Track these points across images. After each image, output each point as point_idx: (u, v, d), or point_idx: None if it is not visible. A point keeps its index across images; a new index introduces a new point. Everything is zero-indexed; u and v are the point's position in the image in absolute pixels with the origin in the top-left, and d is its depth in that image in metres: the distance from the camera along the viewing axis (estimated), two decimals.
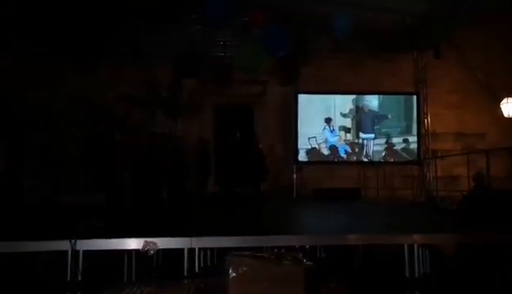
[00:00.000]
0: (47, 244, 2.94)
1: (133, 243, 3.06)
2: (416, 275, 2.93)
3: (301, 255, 2.63)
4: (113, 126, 8.44)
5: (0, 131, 8.06)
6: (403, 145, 9.58)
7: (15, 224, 3.91)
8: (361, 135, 9.63)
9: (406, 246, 3.01)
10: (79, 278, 2.94)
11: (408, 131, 9.60)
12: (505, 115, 9.09)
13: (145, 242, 3.03)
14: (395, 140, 9.57)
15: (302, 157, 9.40)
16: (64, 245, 2.95)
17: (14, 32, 7.96)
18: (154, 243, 3.05)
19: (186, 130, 8.99)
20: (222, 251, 3.05)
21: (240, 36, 8.43)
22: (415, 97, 9.62)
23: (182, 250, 3.24)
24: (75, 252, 2.98)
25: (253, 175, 8.25)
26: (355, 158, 9.54)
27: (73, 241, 2.97)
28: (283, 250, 2.83)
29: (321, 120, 9.56)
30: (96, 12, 7.77)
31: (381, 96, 9.68)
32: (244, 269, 2.35)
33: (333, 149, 9.54)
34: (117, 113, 8.46)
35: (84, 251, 3.02)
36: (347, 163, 9.49)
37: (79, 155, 8.23)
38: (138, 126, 8.55)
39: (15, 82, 8.09)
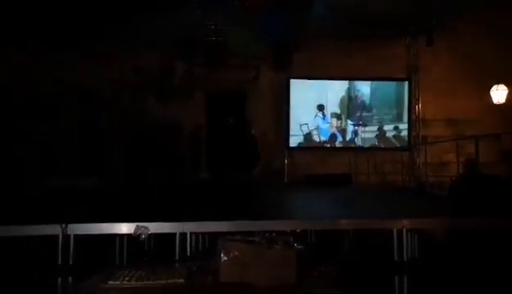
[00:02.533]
0: (37, 228, 2.93)
1: (125, 228, 3.06)
2: (405, 259, 2.99)
3: (292, 239, 2.65)
4: (103, 111, 8.35)
5: None
6: (394, 133, 9.66)
7: (5, 209, 3.88)
8: (352, 122, 9.67)
9: (395, 230, 3.05)
10: (70, 262, 2.95)
11: (399, 119, 9.67)
12: (495, 102, 9.20)
13: (137, 226, 3.04)
14: (386, 127, 9.64)
15: (293, 142, 9.44)
16: (55, 229, 2.94)
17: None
18: (146, 228, 3.05)
19: (177, 115, 8.94)
20: (214, 236, 3.06)
21: (232, 20, 8.33)
22: (406, 84, 9.67)
23: (174, 234, 3.25)
24: (66, 237, 2.97)
25: (245, 161, 8.24)
26: (346, 145, 9.60)
27: (63, 225, 2.96)
28: (274, 234, 2.86)
29: (314, 107, 9.57)
30: None
31: (373, 84, 9.70)
32: (236, 253, 2.36)
33: (327, 135, 9.58)
34: (107, 97, 8.37)
35: (75, 236, 3.02)
36: (338, 150, 9.55)
37: (70, 139, 8.16)
38: (129, 110, 8.48)
39: (2, 67, 7.93)
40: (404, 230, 3.02)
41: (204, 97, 9.49)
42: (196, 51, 8.74)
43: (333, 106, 9.63)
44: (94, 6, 7.77)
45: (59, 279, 2.90)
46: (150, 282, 2.32)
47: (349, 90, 9.72)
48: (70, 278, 2.90)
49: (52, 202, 4.08)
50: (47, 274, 2.96)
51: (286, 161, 9.28)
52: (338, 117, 9.64)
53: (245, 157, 8.27)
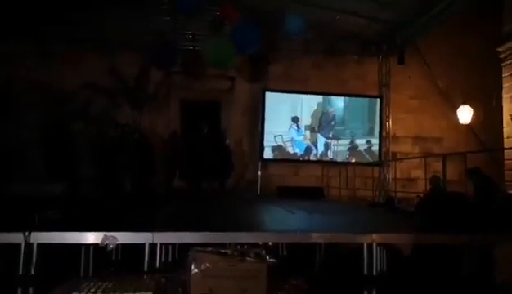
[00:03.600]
0: None
1: (92, 237, 2.95)
2: (374, 273, 3.02)
3: (264, 252, 2.64)
4: (74, 115, 8.13)
5: None
6: (366, 147, 9.87)
7: None
8: (325, 135, 9.82)
9: (365, 244, 3.09)
10: (32, 272, 2.81)
11: (371, 133, 9.90)
12: (461, 122, 9.58)
13: (105, 236, 2.94)
14: (358, 141, 9.85)
15: (267, 154, 9.47)
16: (17, 238, 2.80)
17: None
18: (114, 238, 2.96)
19: (151, 122, 8.82)
20: (185, 247, 3.01)
21: (209, 30, 8.35)
22: (378, 100, 9.93)
23: (143, 245, 3.17)
24: (29, 245, 2.84)
25: (218, 171, 8.21)
26: (319, 158, 9.72)
27: (27, 233, 2.83)
28: (245, 247, 2.84)
29: (288, 119, 9.66)
30: None
31: (346, 98, 9.91)
32: (207, 265, 2.33)
33: (302, 147, 9.68)
34: (79, 100, 8.17)
35: (39, 245, 2.89)
36: (311, 162, 9.65)
37: (37, 143, 7.88)
38: (101, 115, 8.29)
39: None
40: (374, 244, 3.06)
41: (180, 105, 9.41)
42: (172, 58, 8.68)
43: (307, 119, 9.76)
44: (67, 5, 7.61)
45: (19, 290, 2.76)
46: None
47: (322, 103, 9.88)
48: (31, 290, 2.77)
49: (15, 209, 3.90)
50: (5, 285, 2.82)
51: (260, 172, 9.29)
52: (311, 130, 9.78)
53: (219, 166, 8.25)
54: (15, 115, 7.94)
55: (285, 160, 9.57)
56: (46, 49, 8.12)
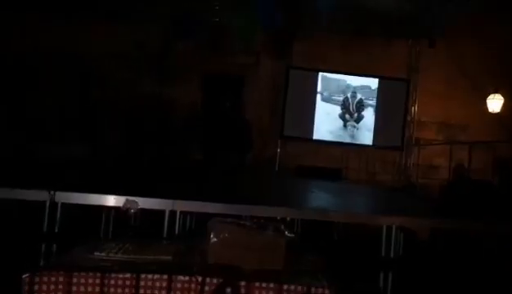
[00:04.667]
0: (25, 193, 2.87)
1: (114, 200, 3.01)
2: (391, 256, 3.00)
3: (283, 226, 2.64)
4: (100, 82, 8.23)
5: None
6: (388, 131, 9.69)
7: None
8: (349, 117, 9.67)
9: (384, 227, 3.06)
10: (56, 230, 2.90)
11: (395, 118, 9.69)
12: (490, 110, 9.27)
13: (127, 200, 2.99)
14: (381, 125, 9.66)
15: (287, 132, 9.41)
16: (42, 195, 2.88)
17: None
18: (136, 202, 3.00)
19: (174, 94, 8.84)
20: (203, 217, 3.04)
21: (236, 2, 8.20)
22: (405, 84, 9.67)
23: (163, 213, 3.21)
24: (54, 204, 2.92)
25: (237, 145, 8.21)
26: (340, 139, 9.61)
27: (52, 192, 2.91)
28: (263, 220, 2.84)
29: (312, 97, 9.54)
30: None
31: (372, 80, 9.69)
32: (226, 235, 2.33)
33: (324, 128, 9.58)
34: (105, 69, 8.24)
35: (63, 204, 2.97)
36: (331, 143, 9.56)
37: (63, 109, 8.04)
38: (125, 85, 8.35)
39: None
40: (394, 227, 3.03)
41: (202, 78, 9.39)
42: (198, 31, 8.61)
43: (331, 99, 9.61)
44: None
45: (43, 246, 2.86)
46: (136, 256, 2.28)
47: (348, 85, 9.69)
48: (55, 246, 2.86)
49: (43, 169, 4.01)
50: (31, 240, 2.92)
51: (279, 150, 9.27)
52: (336, 111, 9.64)
53: (239, 141, 8.25)
54: (45, 82, 8.08)
55: (304, 139, 9.50)
56: (72, 19, 8.17)
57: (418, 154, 8.63)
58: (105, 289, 2.03)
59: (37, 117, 7.75)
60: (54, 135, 7.58)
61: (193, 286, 2.05)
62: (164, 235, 3.16)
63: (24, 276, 1.92)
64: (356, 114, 9.75)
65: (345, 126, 9.72)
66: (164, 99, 8.59)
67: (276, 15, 7.33)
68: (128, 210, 3.06)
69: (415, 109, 9.76)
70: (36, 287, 1.97)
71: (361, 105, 9.75)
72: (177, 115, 8.65)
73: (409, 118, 9.69)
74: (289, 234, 2.51)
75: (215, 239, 2.32)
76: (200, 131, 8.58)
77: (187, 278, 2.06)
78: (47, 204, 2.90)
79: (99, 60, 8.24)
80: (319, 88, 9.65)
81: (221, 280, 2.06)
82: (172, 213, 3.27)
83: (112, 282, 2.04)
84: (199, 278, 2.06)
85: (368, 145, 9.53)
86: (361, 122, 9.73)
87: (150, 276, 2.07)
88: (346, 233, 3.97)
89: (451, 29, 9.12)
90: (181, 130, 8.58)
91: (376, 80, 9.75)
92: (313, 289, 2.08)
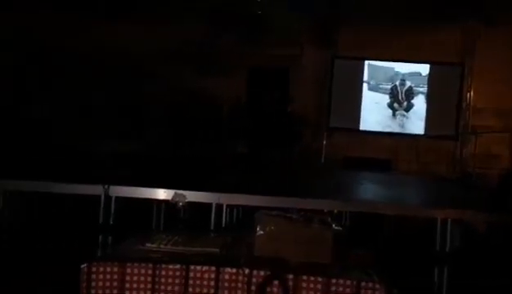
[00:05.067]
0: (81, 187, 3.04)
1: (163, 194, 3.12)
2: (447, 250, 2.85)
3: (330, 219, 2.59)
4: (145, 78, 8.51)
5: (40, 79, 8.31)
6: (441, 120, 9.20)
7: (52, 167, 4.06)
8: (398, 106, 9.31)
9: (438, 220, 2.91)
10: (111, 222, 3.05)
11: (448, 106, 9.18)
12: None
13: (175, 193, 3.08)
14: (433, 113, 9.19)
15: (333, 123, 9.23)
16: (97, 190, 3.04)
17: None
18: (184, 196, 3.09)
19: (218, 88, 8.94)
20: (249, 210, 3.06)
21: None
22: (459, 68, 9.12)
23: (210, 205, 3.27)
24: (108, 198, 3.06)
25: (283, 138, 8.20)
26: (389, 129, 9.28)
27: (106, 186, 3.06)
28: (310, 213, 2.81)
29: (358, 87, 9.27)
30: None
31: (423, 67, 9.24)
32: (272, 227, 2.33)
33: (373, 118, 9.29)
34: (150, 66, 8.50)
35: (116, 198, 3.11)
36: (380, 133, 9.25)
37: (115, 104, 8.42)
38: (171, 81, 8.58)
39: (54, 31, 8.20)
40: (449, 220, 2.87)
41: (246, 72, 9.41)
42: (240, 24, 8.63)
43: (378, 88, 9.29)
44: None
45: (99, 237, 3.02)
46: (186, 248, 2.34)
47: (397, 72, 9.31)
48: (110, 238, 3.01)
49: (96, 164, 4.22)
50: (88, 232, 3.09)
51: (325, 141, 9.12)
52: (384, 100, 9.30)
53: (284, 134, 8.23)
54: (92, 77, 8.48)
55: (351, 130, 9.27)
56: (119, 16, 8.49)
57: (475, 143, 8.09)
58: (156, 279, 2.10)
59: (89, 113, 8.18)
60: (106, 131, 7.96)
61: (240, 278, 2.07)
62: (212, 227, 3.22)
63: (82, 266, 2.03)
64: (405, 103, 9.35)
65: (394, 115, 9.36)
66: (209, 94, 8.72)
67: (319, 4, 7.17)
68: (176, 203, 3.15)
69: (470, 95, 9.18)
70: (93, 277, 2.08)
71: (410, 93, 9.34)
72: (223, 109, 8.75)
73: (464, 105, 9.13)
74: (336, 227, 2.47)
75: (261, 232, 2.32)
76: (245, 125, 8.64)
77: (234, 270, 2.08)
78: (102, 198, 3.05)
79: (147, 57, 8.49)
80: (365, 77, 9.35)
81: (268, 272, 2.07)
82: (219, 206, 3.32)
83: (163, 272, 2.11)
84: (247, 271, 2.07)
85: (419, 135, 9.11)
86: (411, 111, 9.32)
87: (198, 268, 2.12)
88: (397, 226, 3.82)
89: (510, 7, 8.44)
90: (226, 124, 8.69)
91: (427, 66, 9.27)
92: (363, 284, 2.02)
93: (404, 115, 9.33)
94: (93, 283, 2.06)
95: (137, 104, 8.42)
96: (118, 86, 8.53)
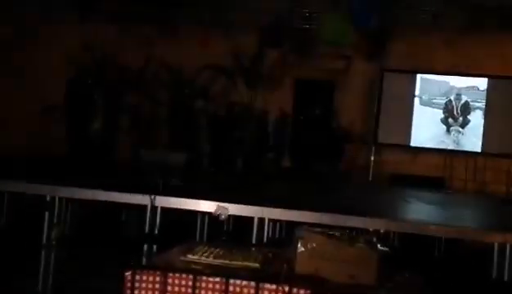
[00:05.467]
0: (129, 197, 3.15)
1: (206, 206, 3.15)
2: (505, 279, 2.63)
3: (375, 239, 2.49)
4: (197, 93, 8.76)
5: (97, 91, 8.81)
6: (499, 136, 8.63)
7: (105, 177, 4.26)
8: (452, 121, 8.86)
9: (496, 244, 2.70)
10: (156, 231, 3.13)
11: (507, 121, 8.60)
12: None
13: (218, 206, 3.11)
14: (492, 130, 8.64)
15: (382, 138, 8.94)
16: (144, 200, 3.13)
17: None
18: (226, 208, 3.11)
19: (266, 102, 9.01)
20: (291, 225, 3.01)
21: (327, 7, 8.08)
22: None
23: (252, 218, 3.27)
24: (154, 208, 3.15)
25: (328, 153, 8.07)
26: (443, 146, 8.84)
27: (153, 197, 3.15)
28: (354, 232, 2.71)
29: (409, 101, 8.95)
30: None
31: (481, 81, 8.75)
32: (314, 245, 2.27)
33: (423, 134, 8.92)
34: (201, 80, 8.75)
35: (162, 208, 3.19)
36: (432, 150, 8.83)
37: (165, 117, 8.73)
38: (220, 94, 8.76)
39: (108, 44, 8.67)
40: (508, 246, 2.65)
41: (293, 85, 9.41)
42: (288, 37, 8.68)
43: (431, 103, 8.91)
44: None
45: (145, 246, 3.10)
46: (226, 261, 2.34)
47: (452, 86, 8.89)
48: (155, 247, 3.08)
49: (145, 174, 4.38)
50: (135, 241, 3.18)
51: (373, 157, 8.85)
52: (440, 116, 8.89)
53: (329, 149, 8.09)
54: (148, 92, 8.86)
55: (401, 146, 8.93)
56: (173, 32, 8.84)
57: None
58: (197, 291, 2.11)
59: (139, 125, 8.54)
60: (154, 142, 8.27)
61: None
62: (253, 241, 3.21)
63: (126, 273, 2.09)
64: (461, 118, 8.88)
65: (448, 131, 8.91)
66: (256, 106, 8.81)
67: (369, 15, 7.04)
68: (219, 215, 3.18)
69: None
70: (136, 285, 2.13)
71: (466, 108, 8.86)
72: (269, 122, 8.79)
73: None
74: (382, 248, 2.36)
75: (302, 249, 2.27)
76: (290, 139, 8.61)
77: (274, 286, 2.05)
78: (149, 208, 3.15)
79: (197, 70, 8.74)
80: (417, 91, 9.00)
81: (308, 291, 2.01)
82: (262, 219, 3.30)
83: (203, 284, 2.12)
84: (286, 288, 2.03)
85: (476, 152, 8.60)
86: (467, 127, 8.83)
87: (238, 282, 2.10)
88: (450, 249, 3.59)
89: None
90: (272, 137, 8.70)
91: (485, 80, 8.78)
92: None
93: (459, 131, 8.87)
94: (136, 291, 2.11)
95: (188, 118, 8.67)
96: (169, 99, 8.87)
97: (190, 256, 2.39)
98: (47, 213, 3.20)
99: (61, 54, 8.72)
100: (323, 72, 9.00)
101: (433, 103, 9.01)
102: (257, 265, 2.33)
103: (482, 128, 8.72)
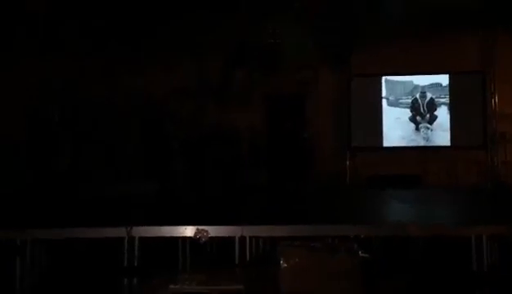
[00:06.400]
0: (104, 231, 3.06)
1: (186, 230, 3.09)
2: (485, 269, 2.68)
3: (356, 246, 2.50)
4: (166, 118, 8.67)
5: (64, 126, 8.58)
6: (466, 129, 8.93)
7: (73, 212, 4.12)
8: (420, 119, 9.12)
9: (473, 238, 2.76)
10: (135, 263, 3.03)
11: (472, 114, 8.92)
12: None
13: (197, 229, 3.06)
14: (458, 123, 8.94)
15: (355, 142, 9.09)
16: (120, 232, 3.04)
17: (65, 28, 8.29)
18: (206, 231, 3.06)
19: (237, 120, 9.01)
20: (274, 240, 2.99)
21: (290, 22, 8.22)
22: (479, 76, 8.90)
23: (234, 238, 3.22)
24: (131, 239, 3.07)
25: (300, 165, 8.14)
26: (414, 143, 9.06)
27: (129, 228, 3.06)
28: (336, 240, 2.71)
29: (377, 104, 9.16)
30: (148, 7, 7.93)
31: (443, 77, 9.07)
32: (296, 260, 2.27)
33: (393, 134, 9.13)
34: (169, 103, 8.68)
35: (140, 238, 3.11)
36: (404, 148, 9.04)
37: (134, 146, 8.57)
38: (190, 116, 8.70)
39: (72, 78, 8.48)
40: (484, 237, 2.71)
41: (263, 101, 9.46)
42: (254, 54, 8.76)
43: (398, 103, 9.16)
44: (158, 15, 8.08)
45: (125, 280, 3.00)
46: (209, 287, 2.30)
47: (416, 85, 9.17)
48: (135, 280, 2.99)
49: (117, 206, 4.26)
50: (113, 275, 3.07)
51: (348, 162, 8.97)
52: (408, 115, 9.13)
53: (300, 162, 8.15)
54: (117, 118, 8.69)
55: (374, 148, 9.10)
56: (140, 56, 8.76)
57: (505, 150, 7.80)
58: None
59: (106, 156, 8.33)
60: (124, 173, 8.08)
61: None
62: (236, 260, 3.16)
63: None
64: (428, 115, 9.15)
65: (417, 128, 9.16)
66: (227, 126, 8.79)
67: (330, 27, 7.21)
68: (199, 239, 3.13)
69: (495, 101, 8.91)
70: None
71: (432, 105, 9.15)
72: (241, 140, 8.78)
73: (489, 112, 8.85)
74: (363, 254, 2.37)
75: (285, 265, 2.26)
76: (264, 154, 8.61)
77: None
78: (126, 239, 3.05)
79: (165, 93, 8.67)
80: (384, 93, 9.24)
81: None
82: (243, 238, 3.26)
83: None
84: None
85: (446, 146, 8.85)
86: (435, 123, 9.10)
87: None
88: (429, 246, 3.65)
89: None
90: (245, 154, 8.68)
91: (447, 76, 9.10)
92: None
93: (428, 128, 9.12)
94: None
95: (158, 143, 8.55)
96: (139, 126, 8.73)
97: (172, 287, 2.34)
98: (18, 258, 3.06)
99: (21, 88, 8.46)
100: (292, 85, 9.11)
101: (400, 103, 9.25)
102: (241, 286, 2.30)
103: (449, 123, 9.00)
